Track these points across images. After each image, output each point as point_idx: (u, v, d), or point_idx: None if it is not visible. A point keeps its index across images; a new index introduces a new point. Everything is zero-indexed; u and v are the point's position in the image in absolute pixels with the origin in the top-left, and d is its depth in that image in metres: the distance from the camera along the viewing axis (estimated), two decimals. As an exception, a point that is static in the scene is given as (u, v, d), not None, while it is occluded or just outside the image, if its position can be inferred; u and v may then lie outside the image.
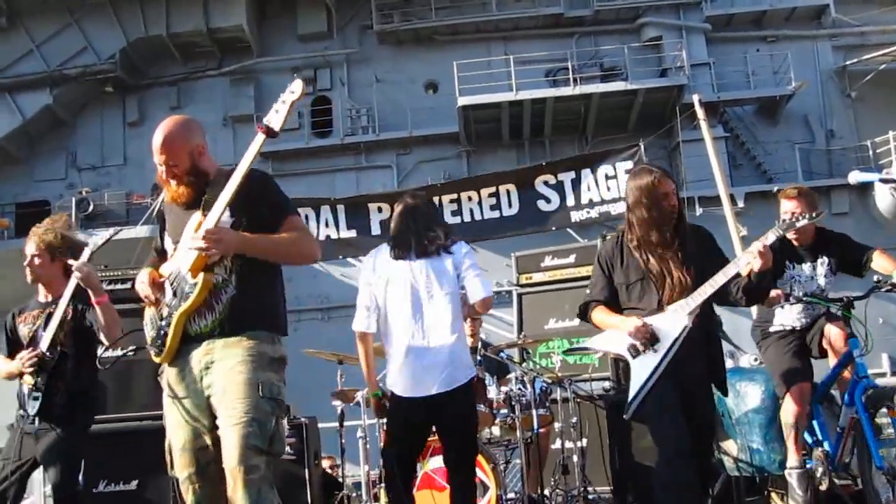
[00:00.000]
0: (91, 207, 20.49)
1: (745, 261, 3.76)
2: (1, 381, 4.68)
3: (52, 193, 21.91)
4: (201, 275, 3.08)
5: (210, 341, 3.11)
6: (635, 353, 3.90)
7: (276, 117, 3.04)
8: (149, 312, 3.32)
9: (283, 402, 3.10)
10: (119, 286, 6.84)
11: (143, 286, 3.27)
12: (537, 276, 7.75)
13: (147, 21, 21.76)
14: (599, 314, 4.09)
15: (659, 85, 20.58)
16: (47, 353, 4.43)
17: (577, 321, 7.58)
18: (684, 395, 3.85)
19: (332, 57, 22.30)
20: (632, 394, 3.85)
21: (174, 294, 3.18)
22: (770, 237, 3.78)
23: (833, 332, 4.94)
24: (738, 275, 3.82)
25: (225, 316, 3.11)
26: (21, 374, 4.48)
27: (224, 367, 3.06)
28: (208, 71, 22.49)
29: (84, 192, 20.91)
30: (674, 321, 3.84)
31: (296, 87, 3.02)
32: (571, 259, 7.71)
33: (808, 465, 4.98)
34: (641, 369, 3.88)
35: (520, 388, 5.79)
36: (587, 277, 7.53)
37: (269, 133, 3.05)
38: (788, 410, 4.91)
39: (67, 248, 4.68)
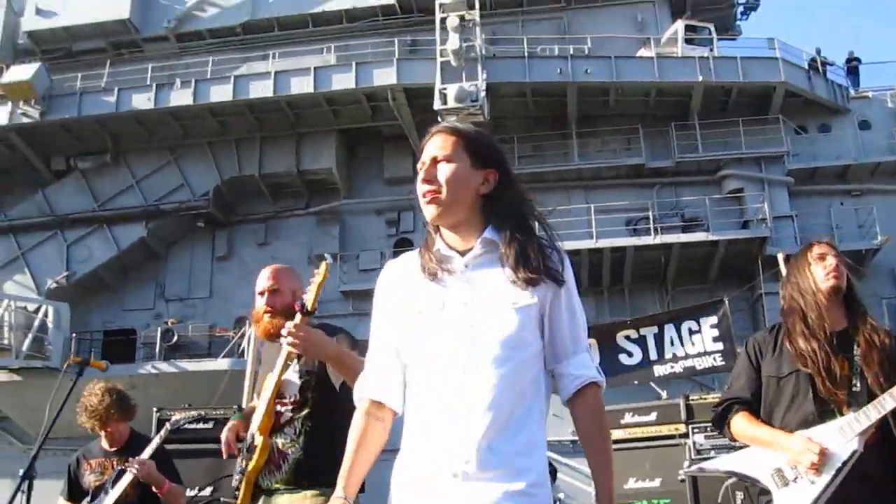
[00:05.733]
0: (175, 338, 20.98)
1: None
2: None
3: (140, 323, 22.55)
4: (261, 438, 3.23)
5: (278, 495, 3.26)
6: (783, 481, 2.94)
7: (308, 296, 3.19)
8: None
9: None
10: (201, 425, 6.94)
11: (225, 437, 3.45)
12: (617, 433, 7.59)
13: (241, 161, 22.78)
14: (743, 423, 3.16)
15: (740, 237, 20.52)
16: None
17: (657, 481, 7.45)
18: None
19: (416, 200, 22.79)
20: None
21: (247, 450, 3.29)
22: None
23: None
24: None
25: (290, 476, 3.24)
26: None
27: None
28: (296, 210, 23.24)
29: (170, 323, 21.46)
30: (839, 441, 2.88)
31: (321, 269, 3.20)
32: (653, 417, 7.56)
33: None
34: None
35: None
36: (669, 437, 7.47)
37: (303, 312, 3.18)
38: None
39: (125, 405, 4.94)
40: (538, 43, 22.68)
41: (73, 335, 20.72)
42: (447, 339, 2.16)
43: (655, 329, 8.34)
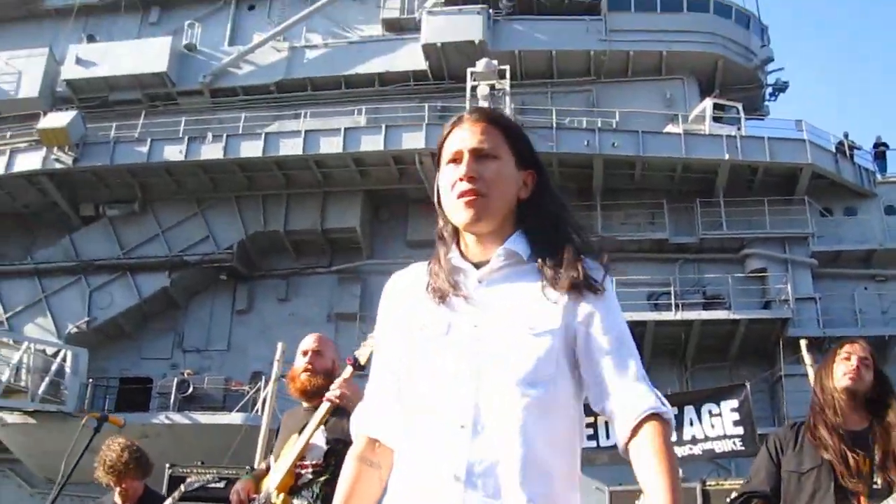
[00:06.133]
0: (191, 389, 20.95)
1: None
2: None
3: (156, 372, 22.54)
4: (282, 496, 3.23)
5: None
6: None
7: (362, 351, 3.30)
8: None
9: None
10: (213, 484, 6.91)
11: (235, 497, 3.45)
12: (632, 515, 7.50)
13: (267, 217, 23.00)
14: None
15: (762, 317, 20.40)
16: None
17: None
18: None
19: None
20: None
21: None
22: None
23: None
24: None
25: None
26: None
27: None
28: (318, 268, 23.34)
29: (186, 374, 21.44)
30: None
31: None
32: (669, 500, 7.45)
33: None
34: None
35: None
36: (685, 521, 7.34)
37: (355, 366, 3.32)
38: None
39: (142, 463, 4.96)
40: (566, 114, 22.92)
41: (90, 381, 20.75)
42: (449, 371, 1.76)
43: (675, 410, 8.23)
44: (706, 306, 20.79)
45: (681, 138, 21.73)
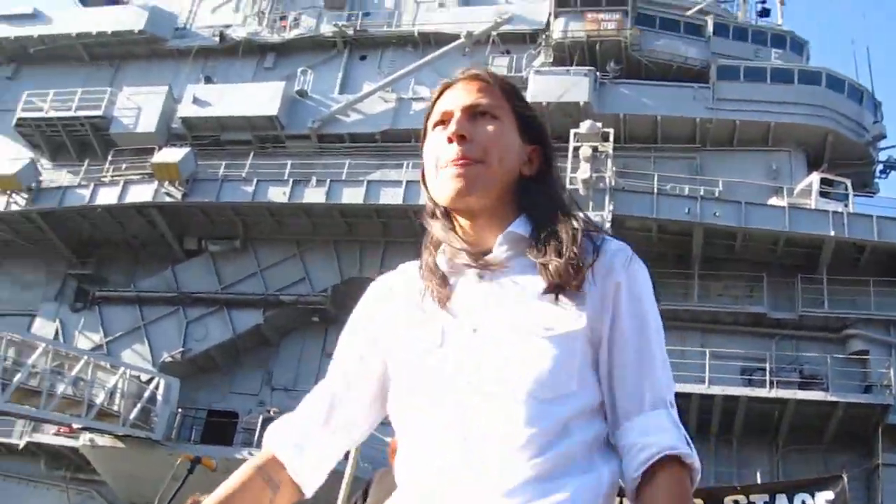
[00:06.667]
0: (275, 428, 21.10)
1: None
2: None
3: (243, 407, 22.94)
4: None
5: None
6: None
7: None
8: None
9: None
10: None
11: None
12: None
13: (363, 263, 23.37)
14: None
15: (861, 401, 19.58)
16: None
17: None
18: None
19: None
20: None
21: None
22: None
23: None
24: None
25: None
26: None
27: None
28: (409, 317, 23.46)
29: (272, 412, 21.69)
30: None
31: None
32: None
33: None
34: None
35: None
36: None
37: None
38: None
39: None
40: (669, 181, 22.72)
41: (179, 410, 21.20)
42: (442, 387, 1.37)
43: (766, 497, 7.95)
44: (802, 385, 20.09)
45: (785, 211, 21.27)
